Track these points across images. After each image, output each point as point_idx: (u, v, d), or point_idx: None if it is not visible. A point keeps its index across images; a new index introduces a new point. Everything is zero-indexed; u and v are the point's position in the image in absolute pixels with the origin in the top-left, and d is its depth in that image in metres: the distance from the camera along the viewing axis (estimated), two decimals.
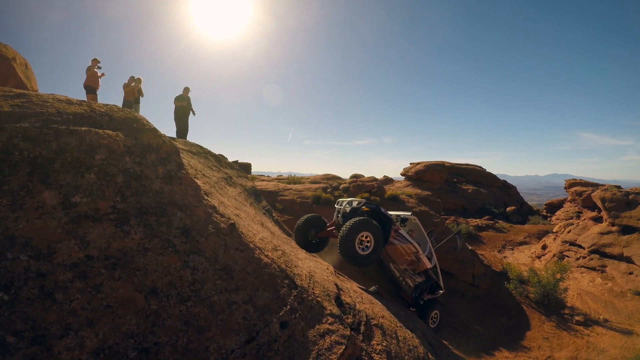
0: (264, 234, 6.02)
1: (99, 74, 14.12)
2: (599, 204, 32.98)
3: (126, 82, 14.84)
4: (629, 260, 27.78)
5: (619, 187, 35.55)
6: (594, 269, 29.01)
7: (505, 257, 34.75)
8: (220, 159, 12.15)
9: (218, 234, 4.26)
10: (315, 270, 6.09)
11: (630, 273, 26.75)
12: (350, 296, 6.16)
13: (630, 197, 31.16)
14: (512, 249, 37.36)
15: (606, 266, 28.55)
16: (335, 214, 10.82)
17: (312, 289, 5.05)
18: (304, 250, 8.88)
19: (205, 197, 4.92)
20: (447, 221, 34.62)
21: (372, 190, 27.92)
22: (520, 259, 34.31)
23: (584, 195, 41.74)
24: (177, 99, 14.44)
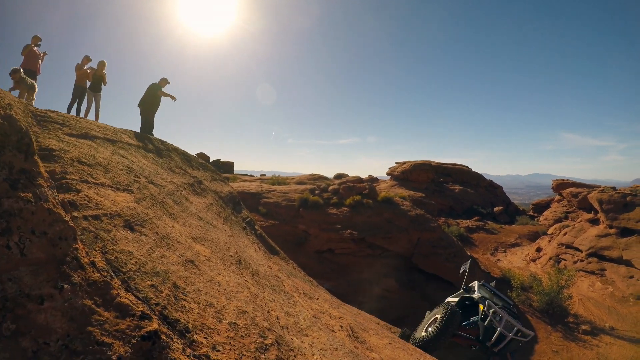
0: (239, 298, 3.51)
1: (40, 55, 11.44)
2: (595, 205, 32.14)
3: (79, 62, 12.21)
4: (628, 263, 26.76)
5: (614, 187, 34.57)
6: (593, 272, 28.14)
7: (499, 260, 33.59)
8: (190, 159, 9.89)
9: None
10: (336, 359, 3.67)
11: (631, 277, 25.89)
12: None
13: (627, 198, 30.52)
14: (505, 252, 36.29)
15: (605, 270, 27.72)
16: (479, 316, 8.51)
17: None
18: (306, 295, 6.38)
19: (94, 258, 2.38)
20: (438, 222, 33.17)
21: (364, 192, 25.96)
22: (515, 262, 33.22)
23: (579, 196, 40.75)
24: (151, 88, 11.91)
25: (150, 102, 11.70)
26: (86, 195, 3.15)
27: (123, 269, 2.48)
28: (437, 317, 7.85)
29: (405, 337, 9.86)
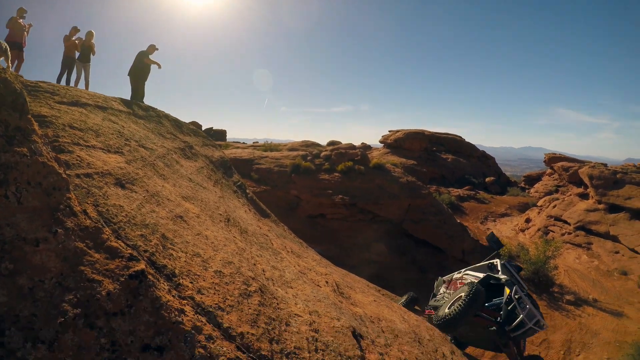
0: (226, 251, 3.73)
1: (25, 27, 11.35)
2: (586, 180, 32.48)
3: (67, 34, 12.13)
4: (615, 239, 27.28)
5: (605, 164, 34.90)
6: (579, 245, 28.63)
7: (488, 228, 34.02)
8: (181, 125, 9.95)
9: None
10: (318, 309, 3.90)
11: (617, 252, 26.37)
12: (375, 342, 4.07)
13: (617, 175, 30.80)
14: (495, 221, 36.72)
15: (592, 243, 28.21)
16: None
17: None
18: (294, 253, 6.56)
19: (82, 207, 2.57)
20: (430, 190, 33.48)
21: (356, 159, 25.93)
22: (504, 232, 33.68)
23: (570, 170, 40.98)
24: (139, 56, 11.80)
25: (139, 71, 11.65)
26: (78, 156, 3.32)
27: (114, 220, 2.67)
28: (461, 295, 7.79)
29: (413, 300, 10.03)
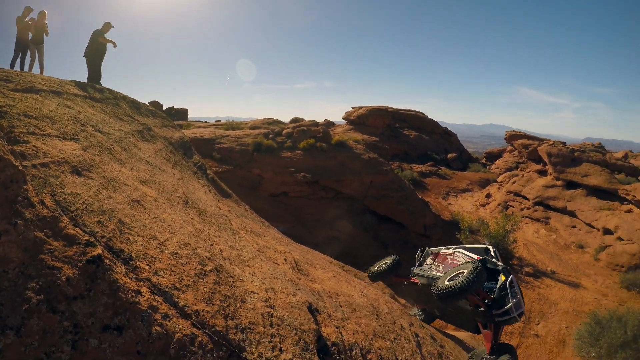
0: (183, 233, 3.86)
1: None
2: (544, 158, 33.59)
3: (20, 15, 11.66)
4: (572, 214, 28.61)
5: (563, 143, 36.10)
6: (538, 220, 29.82)
7: (450, 204, 34.88)
8: (140, 106, 9.78)
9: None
10: (275, 286, 4.08)
11: (574, 227, 27.58)
12: (332, 316, 4.27)
13: (575, 154, 31.96)
14: (456, 196, 37.61)
15: (550, 218, 29.41)
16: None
17: (280, 344, 3.15)
18: (254, 232, 6.67)
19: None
20: (392, 166, 33.91)
21: (318, 136, 25.96)
22: (465, 207, 34.56)
23: (530, 148, 42.26)
24: (94, 35, 11.44)
25: (94, 51, 11.35)
26: (34, 146, 3.37)
27: (71, 208, 2.78)
28: (464, 272, 7.79)
29: (397, 264, 10.12)
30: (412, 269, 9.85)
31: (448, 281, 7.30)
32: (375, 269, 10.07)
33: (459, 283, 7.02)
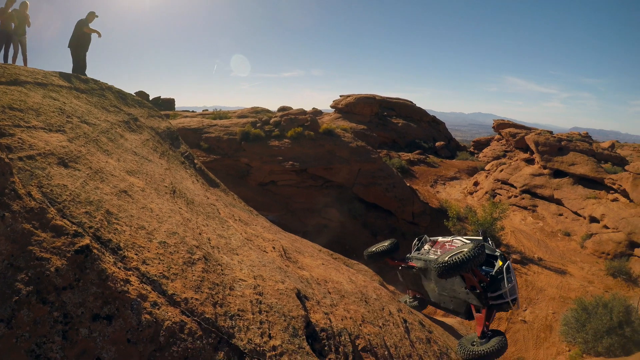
0: (170, 222, 3.88)
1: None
2: (532, 146, 33.92)
3: (2, 6, 11.46)
4: (559, 202, 28.99)
5: (551, 132, 36.43)
6: (525, 208, 30.19)
7: (438, 192, 35.12)
8: (126, 97, 9.70)
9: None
10: (263, 273, 4.12)
11: (561, 214, 27.95)
12: (320, 303, 4.32)
13: (562, 143, 32.23)
14: (444, 184, 37.86)
15: (537, 206, 29.79)
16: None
17: (268, 330, 3.20)
18: (242, 221, 6.69)
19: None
20: (380, 154, 34.04)
21: (306, 124, 25.90)
22: (453, 194, 34.81)
23: (517, 137, 42.78)
24: (78, 25, 11.28)
25: (79, 41, 11.21)
26: (20, 139, 3.35)
27: (58, 200, 2.79)
28: (465, 250, 7.87)
29: (395, 247, 10.24)
30: (408, 255, 9.97)
31: (448, 257, 7.45)
32: (373, 249, 10.21)
33: (461, 256, 7.13)
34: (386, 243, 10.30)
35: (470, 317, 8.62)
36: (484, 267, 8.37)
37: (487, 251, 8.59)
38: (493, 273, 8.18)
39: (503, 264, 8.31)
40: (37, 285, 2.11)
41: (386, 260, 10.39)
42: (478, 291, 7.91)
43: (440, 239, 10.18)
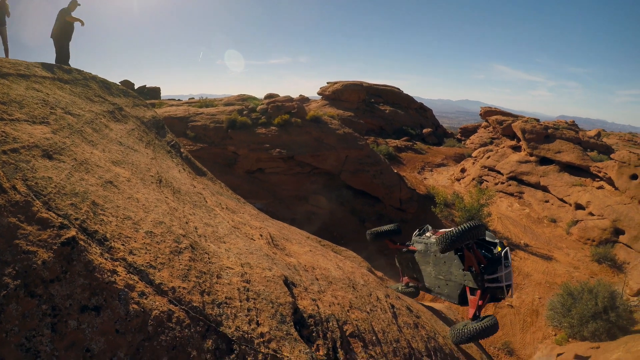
0: (157, 212, 3.89)
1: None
2: (518, 134, 34.23)
3: None
4: (545, 189, 29.36)
5: (537, 120, 36.74)
6: (512, 194, 30.55)
7: (425, 178, 35.31)
8: (110, 86, 9.59)
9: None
10: (250, 261, 4.15)
11: (547, 201, 28.30)
12: (308, 289, 4.37)
13: (549, 131, 32.54)
14: (431, 171, 38.07)
15: (523, 193, 30.14)
16: None
17: (256, 317, 3.23)
18: (229, 209, 6.70)
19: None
20: (367, 141, 34.13)
21: (293, 112, 25.82)
22: (440, 181, 35.05)
23: (504, 124, 43.11)
24: (60, 14, 11.10)
25: (62, 31, 11.06)
26: (3, 132, 3.33)
27: (43, 192, 2.79)
28: (467, 223, 8.07)
29: (397, 231, 10.42)
30: (407, 243, 10.13)
31: (453, 229, 7.67)
32: (377, 229, 10.35)
33: (463, 227, 7.30)
34: (390, 226, 10.35)
35: (463, 301, 8.67)
36: (483, 251, 8.51)
37: (487, 238, 8.81)
38: (491, 256, 8.29)
39: (502, 250, 8.41)
40: (24, 279, 2.11)
41: (386, 242, 10.47)
42: (475, 271, 8.10)
43: (441, 230, 10.39)
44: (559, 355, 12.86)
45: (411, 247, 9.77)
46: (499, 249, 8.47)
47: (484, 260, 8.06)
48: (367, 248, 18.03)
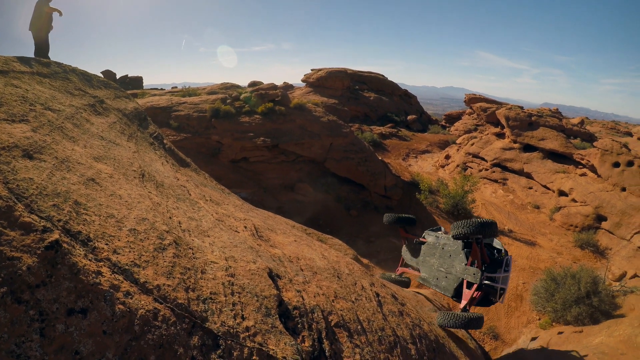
0: (140, 208, 3.88)
1: None
2: (502, 121, 34.53)
3: None
4: (529, 176, 29.72)
5: (521, 107, 37.13)
6: (496, 181, 30.89)
7: (409, 165, 35.49)
8: (91, 78, 9.40)
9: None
10: (235, 254, 4.17)
11: (530, 188, 28.69)
12: (292, 281, 4.42)
13: (532, 118, 32.84)
14: (416, 157, 38.27)
15: (507, 179, 30.51)
16: None
17: (241, 311, 3.27)
18: (213, 201, 6.68)
19: None
20: (352, 128, 34.16)
21: (276, 99, 25.68)
22: (425, 168, 35.26)
23: (488, 111, 43.43)
24: (37, 6, 10.83)
25: (40, 22, 10.83)
26: None
27: (25, 195, 2.77)
28: (483, 219, 8.43)
29: (411, 221, 10.74)
30: (415, 239, 10.51)
31: (459, 222, 8.02)
32: (396, 215, 10.84)
33: (482, 220, 7.71)
34: (408, 215, 10.87)
35: (457, 295, 8.92)
36: (488, 253, 8.83)
37: (495, 245, 9.15)
38: (495, 257, 8.66)
39: (505, 256, 8.77)
40: (10, 286, 2.13)
41: (400, 230, 10.95)
42: (477, 266, 8.34)
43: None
44: (533, 339, 13.18)
45: (422, 239, 10.23)
46: (503, 254, 8.84)
47: (487, 259, 8.37)
48: (356, 235, 18.21)
